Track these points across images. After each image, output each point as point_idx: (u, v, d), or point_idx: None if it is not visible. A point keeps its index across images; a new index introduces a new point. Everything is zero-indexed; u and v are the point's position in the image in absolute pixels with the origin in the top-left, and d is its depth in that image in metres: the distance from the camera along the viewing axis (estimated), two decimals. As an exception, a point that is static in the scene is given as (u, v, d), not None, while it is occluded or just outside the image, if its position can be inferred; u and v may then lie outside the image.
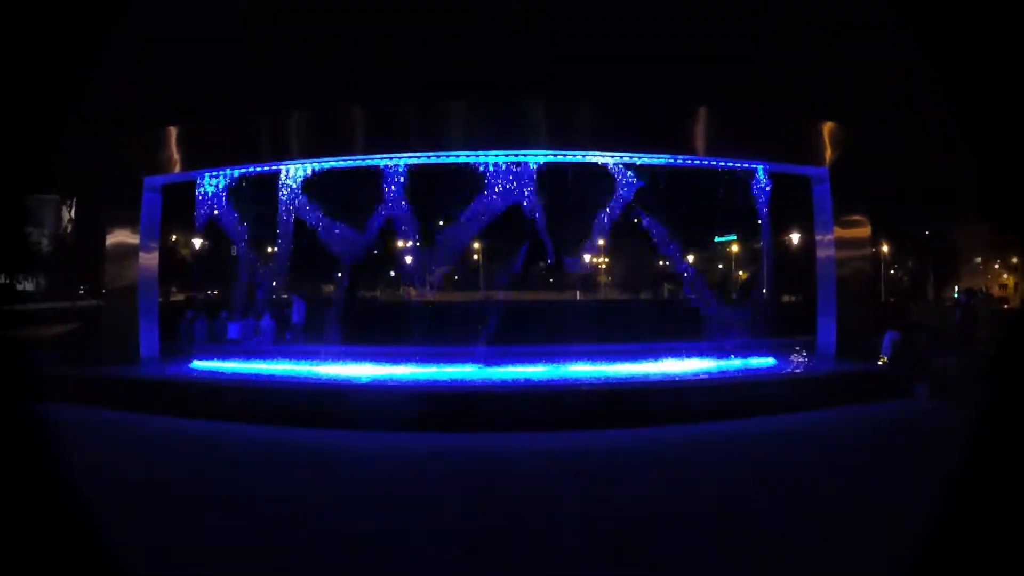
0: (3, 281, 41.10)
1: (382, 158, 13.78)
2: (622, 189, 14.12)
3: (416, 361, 14.32)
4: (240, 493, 7.24)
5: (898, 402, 11.60)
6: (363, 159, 13.86)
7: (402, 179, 14.09)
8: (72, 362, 13.97)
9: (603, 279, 63.21)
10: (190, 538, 5.93)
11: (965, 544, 5.31)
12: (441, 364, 14.08)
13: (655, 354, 15.16)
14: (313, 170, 14.46)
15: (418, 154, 13.64)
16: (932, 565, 5.09)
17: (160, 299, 16.01)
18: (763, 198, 14.49)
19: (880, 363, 13.02)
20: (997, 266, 54.42)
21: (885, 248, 41.30)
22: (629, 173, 14.04)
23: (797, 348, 15.11)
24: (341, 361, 14.58)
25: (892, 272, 45.76)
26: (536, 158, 13.84)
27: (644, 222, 14.59)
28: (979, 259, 49.71)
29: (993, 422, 9.24)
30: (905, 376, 12.22)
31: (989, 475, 6.91)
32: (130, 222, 14.81)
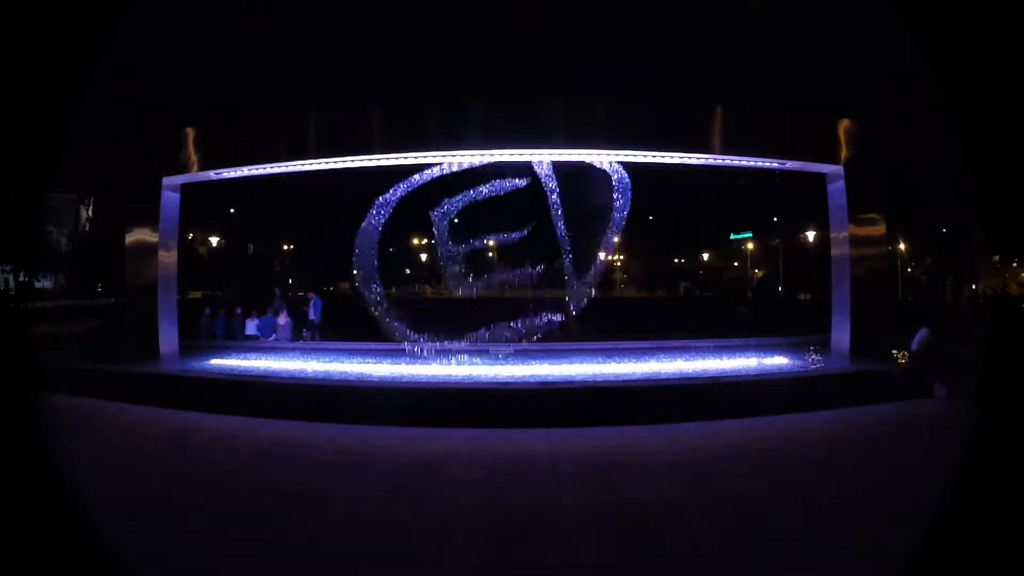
0: (22, 279, 41.64)
1: (400, 158, 13.86)
2: None
3: (432, 358, 14.45)
4: (265, 485, 7.35)
5: (915, 402, 11.53)
6: (381, 159, 13.92)
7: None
8: (92, 358, 14.15)
9: (619, 276, 63.31)
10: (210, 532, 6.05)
11: (978, 541, 5.35)
12: (456, 360, 14.21)
13: (667, 352, 15.23)
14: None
15: (436, 153, 13.71)
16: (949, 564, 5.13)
17: (178, 296, 16.16)
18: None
19: (900, 361, 12.94)
20: (1015, 264, 54.00)
21: (902, 246, 41.12)
22: None
23: (811, 347, 15.11)
24: (357, 358, 14.75)
25: (909, 270, 45.53)
26: (552, 157, 13.95)
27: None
28: (996, 257, 49.34)
29: (1011, 421, 9.26)
30: (923, 375, 12.14)
31: (1005, 474, 6.94)
32: (149, 221, 15.00)
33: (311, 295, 19.80)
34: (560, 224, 14.63)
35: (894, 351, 13.03)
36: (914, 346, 12.85)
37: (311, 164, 14.35)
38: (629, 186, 14.57)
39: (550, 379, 12.35)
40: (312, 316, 19.06)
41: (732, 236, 59.36)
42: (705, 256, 65.28)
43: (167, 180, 14.94)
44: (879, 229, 14.32)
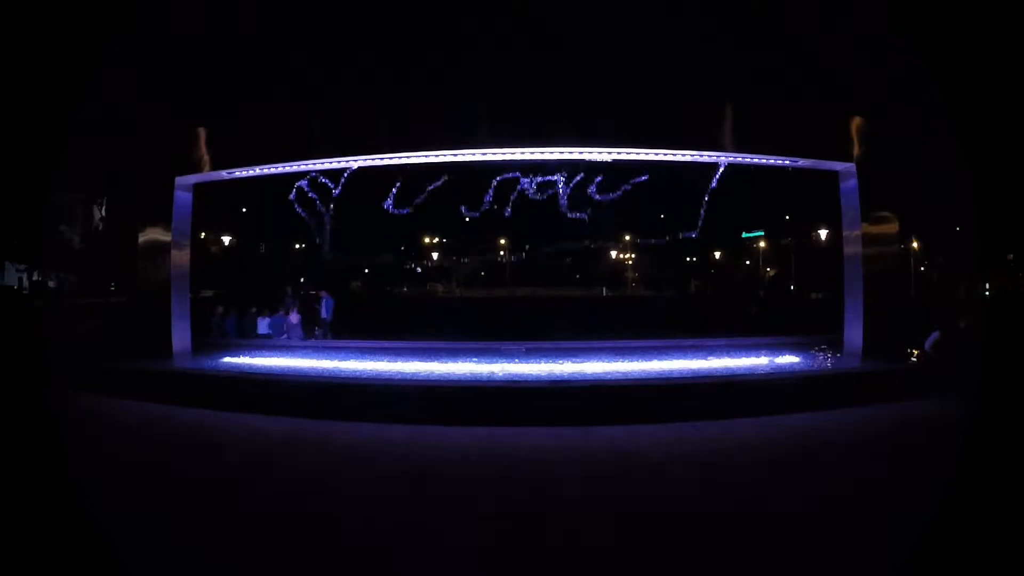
0: (36, 278, 41.89)
1: (408, 156, 13.90)
2: None
3: (443, 356, 14.49)
4: (274, 483, 7.39)
5: (927, 401, 11.46)
6: (390, 158, 13.96)
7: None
8: (105, 356, 14.22)
9: (629, 275, 63.18)
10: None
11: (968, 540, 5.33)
12: (468, 359, 14.25)
13: (679, 350, 15.20)
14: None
15: (446, 152, 13.72)
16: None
17: (191, 295, 16.22)
18: None
19: (913, 360, 12.86)
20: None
21: (915, 245, 40.79)
22: None
23: (823, 346, 15.05)
24: (369, 356, 14.80)
25: (922, 269, 45.17)
26: (563, 156, 13.92)
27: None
28: (1011, 256, 48.83)
29: (1020, 422, 9.21)
30: (934, 375, 12.07)
31: (1012, 474, 6.92)
32: (162, 220, 15.06)
33: (323, 293, 19.85)
34: None
35: (911, 350, 12.98)
36: (928, 347, 12.79)
37: (322, 164, 14.42)
38: None
39: (560, 377, 12.35)
40: (324, 314, 19.11)
41: (744, 235, 59.06)
42: (717, 255, 65.03)
43: (179, 180, 15.00)
44: (892, 227, 14.24)
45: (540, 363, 13.86)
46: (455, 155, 13.91)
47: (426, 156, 13.94)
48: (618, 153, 13.86)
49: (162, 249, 15.03)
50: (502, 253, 64.24)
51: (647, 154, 13.85)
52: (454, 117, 13.56)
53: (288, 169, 14.92)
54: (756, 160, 14.18)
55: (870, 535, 5.75)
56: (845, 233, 14.73)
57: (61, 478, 7.11)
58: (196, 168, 14.77)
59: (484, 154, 13.81)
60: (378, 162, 14.24)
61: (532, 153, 13.73)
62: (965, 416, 10.51)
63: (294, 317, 18.45)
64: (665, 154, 13.86)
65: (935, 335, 12.85)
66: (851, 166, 14.09)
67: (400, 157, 13.98)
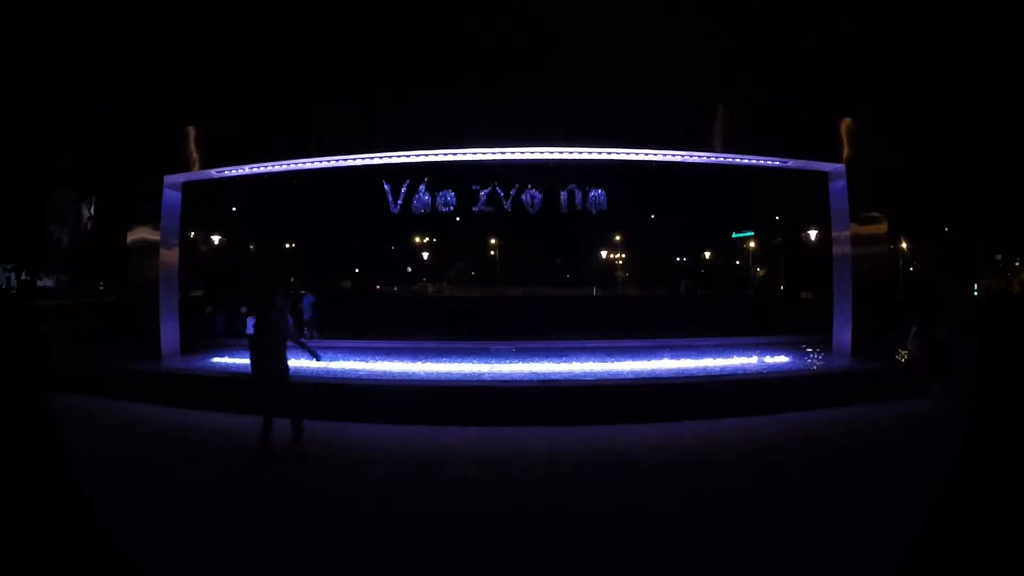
0: (24, 277, 41.66)
1: (401, 155, 13.83)
2: None
3: (434, 356, 14.46)
4: (265, 484, 7.37)
5: (915, 401, 11.49)
6: (382, 157, 13.89)
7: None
8: (94, 356, 14.13)
9: (620, 275, 63.26)
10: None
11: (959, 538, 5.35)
12: (458, 359, 14.23)
13: (669, 350, 15.22)
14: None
15: (437, 151, 13.66)
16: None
17: (179, 294, 16.12)
18: None
19: (900, 359, 12.88)
20: (1017, 264, 53.77)
21: (904, 245, 40.99)
22: None
23: (813, 346, 15.09)
24: (357, 356, 14.75)
25: (911, 269, 45.39)
26: (554, 156, 13.88)
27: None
28: (999, 256, 49.10)
29: (1009, 421, 9.25)
30: (922, 374, 12.08)
31: (1000, 472, 6.95)
32: (151, 219, 14.97)
33: (306, 294, 19.85)
34: None
35: (898, 350, 12.99)
36: (909, 345, 12.81)
37: (312, 163, 14.34)
38: None
39: (550, 377, 12.34)
40: (307, 315, 19.06)
41: (734, 235, 59.29)
42: (707, 254, 65.21)
43: (168, 179, 14.91)
44: (881, 228, 14.30)
45: (530, 363, 13.86)
46: (452, 154, 13.85)
47: (419, 156, 13.87)
48: (608, 152, 13.84)
49: (151, 248, 14.93)
50: (492, 252, 64.26)
51: (637, 154, 13.85)
52: (452, 116, 13.50)
53: (279, 168, 14.85)
54: (746, 160, 14.19)
55: (858, 534, 5.78)
56: (834, 233, 14.78)
57: (55, 478, 7.07)
58: (185, 167, 14.66)
59: (475, 153, 13.76)
60: (369, 162, 14.18)
61: (523, 152, 13.69)
62: (950, 415, 10.57)
63: (283, 317, 18.35)
64: (655, 154, 13.86)
65: (914, 330, 12.88)
66: (840, 167, 14.13)
67: (396, 156, 13.91)
